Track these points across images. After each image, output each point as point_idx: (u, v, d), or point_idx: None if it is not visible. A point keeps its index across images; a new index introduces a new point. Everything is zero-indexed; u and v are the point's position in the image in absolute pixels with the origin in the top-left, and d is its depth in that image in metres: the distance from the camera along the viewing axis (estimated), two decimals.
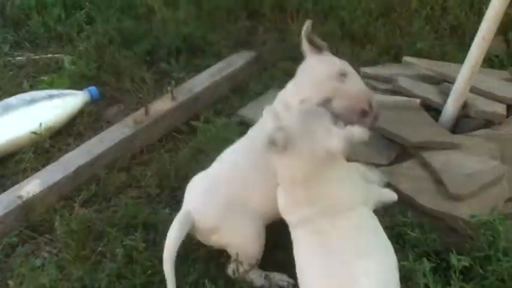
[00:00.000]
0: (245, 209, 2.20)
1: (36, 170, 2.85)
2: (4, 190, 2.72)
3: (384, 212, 2.42)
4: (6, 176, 2.89)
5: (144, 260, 2.30)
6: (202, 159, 2.78)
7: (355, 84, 2.23)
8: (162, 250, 2.36)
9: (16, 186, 2.73)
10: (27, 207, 2.63)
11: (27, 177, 2.79)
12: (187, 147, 2.94)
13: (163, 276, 2.23)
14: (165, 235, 2.44)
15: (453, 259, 2.16)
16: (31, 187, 2.69)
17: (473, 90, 3.06)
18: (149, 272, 2.27)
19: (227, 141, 2.51)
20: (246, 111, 3.21)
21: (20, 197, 2.63)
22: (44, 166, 2.86)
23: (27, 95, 3.21)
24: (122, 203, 2.63)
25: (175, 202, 2.65)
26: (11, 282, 2.34)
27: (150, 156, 2.98)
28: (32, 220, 2.61)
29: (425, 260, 2.19)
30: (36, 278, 2.32)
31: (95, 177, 2.83)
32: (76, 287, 2.29)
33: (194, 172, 2.61)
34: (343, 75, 2.21)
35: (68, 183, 2.78)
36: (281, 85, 3.33)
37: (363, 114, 2.15)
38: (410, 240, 2.31)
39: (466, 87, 2.94)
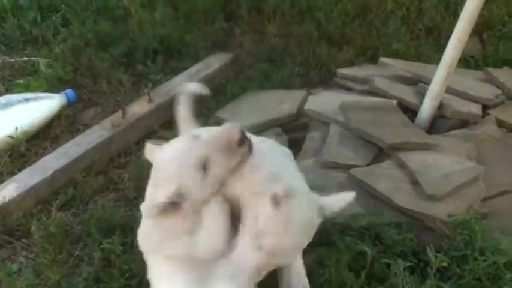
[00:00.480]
0: None
1: (12, 174, 2.83)
2: None
3: (362, 212, 2.45)
4: None
5: (121, 263, 2.29)
6: None
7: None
8: (139, 253, 2.36)
9: None
10: (3, 211, 2.60)
11: (3, 181, 2.76)
12: None
13: (141, 279, 2.23)
14: None
15: (430, 254, 2.18)
16: (7, 191, 2.66)
17: (449, 90, 3.09)
18: (127, 275, 2.26)
19: None
20: (223, 113, 3.20)
21: None
22: (20, 170, 2.83)
23: (2, 99, 3.17)
24: (99, 206, 2.61)
25: None
26: None
27: (127, 159, 2.97)
28: (8, 225, 2.58)
29: (399, 259, 2.22)
30: (12, 283, 2.30)
31: (72, 180, 2.81)
32: None
33: None
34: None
35: (45, 187, 2.75)
36: (258, 87, 3.39)
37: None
38: (387, 240, 2.33)
39: (442, 88, 2.96)
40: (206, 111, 3.25)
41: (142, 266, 2.28)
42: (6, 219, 2.59)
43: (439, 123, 3.06)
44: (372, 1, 4.14)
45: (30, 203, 2.68)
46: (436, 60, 3.03)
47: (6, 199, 2.62)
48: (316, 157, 2.82)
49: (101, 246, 2.35)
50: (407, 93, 3.20)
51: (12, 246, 2.52)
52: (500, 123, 3.10)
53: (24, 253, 2.49)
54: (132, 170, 2.84)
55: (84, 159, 2.90)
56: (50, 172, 2.78)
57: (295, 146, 2.93)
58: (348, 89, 3.37)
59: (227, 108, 3.27)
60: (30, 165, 2.86)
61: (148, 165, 2.77)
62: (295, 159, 2.76)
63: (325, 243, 2.36)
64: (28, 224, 2.57)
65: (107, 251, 2.33)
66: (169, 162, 1.98)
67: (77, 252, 2.42)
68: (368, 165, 2.74)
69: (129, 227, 2.49)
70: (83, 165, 2.89)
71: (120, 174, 2.82)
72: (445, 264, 2.18)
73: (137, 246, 2.37)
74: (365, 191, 2.60)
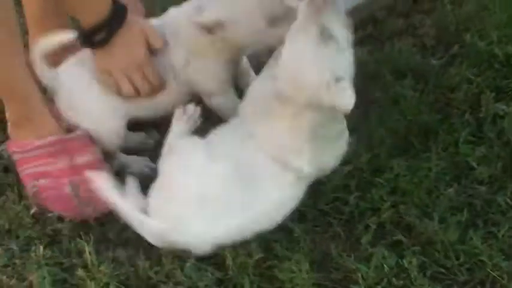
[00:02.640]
0: None
1: None
2: None
3: None
4: None
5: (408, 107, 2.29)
6: (487, 16, 2.64)
7: None
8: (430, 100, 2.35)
9: None
10: None
11: None
12: (472, 3, 2.77)
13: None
14: (436, 85, 2.40)
15: None
16: None
17: None
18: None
19: None
20: None
21: None
22: None
23: None
24: (396, 48, 2.59)
25: (449, 56, 2.55)
26: None
27: (432, 5, 2.86)
28: None
29: None
30: None
31: (372, 17, 2.81)
32: None
33: (475, 29, 2.53)
34: None
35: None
36: None
37: None
38: None
39: None
40: None
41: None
42: None
43: None
44: None
45: None
46: None
47: None
48: None
49: (394, 89, 2.36)
50: None
51: None
52: None
53: None
54: (435, 17, 2.76)
55: None
56: (353, 4, 2.78)
57: None
58: None
59: None
60: None
61: (452, 16, 2.70)
62: None
63: None
64: None
65: (397, 94, 2.34)
66: None
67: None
68: None
69: (421, 74, 2.46)
70: (385, 3, 2.86)
71: (422, 20, 2.76)
72: None
73: (428, 94, 2.37)
74: None
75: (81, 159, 2.05)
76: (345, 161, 2.06)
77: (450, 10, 2.75)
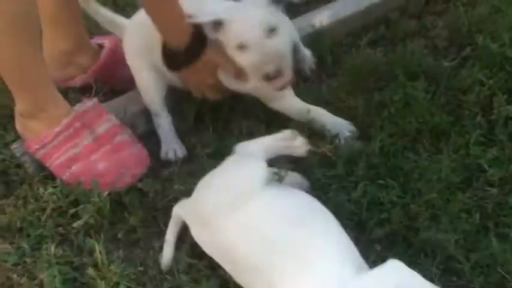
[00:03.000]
0: None
1: (326, 1, 2.88)
2: (296, 16, 2.76)
3: None
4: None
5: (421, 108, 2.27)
6: (499, 18, 2.63)
7: (278, 44, 2.08)
8: (441, 102, 2.33)
9: (308, 13, 2.80)
10: (315, 36, 2.70)
11: (317, 8, 2.83)
12: (485, 5, 2.76)
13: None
14: (448, 87, 2.38)
15: None
16: (323, 17, 2.75)
17: None
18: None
19: None
20: None
21: (312, 26, 2.71)
22: None
23: None
24: (408, 49, 2.57)
25: (461, 58, 2.54)
26: None
27: (445, 6, 2.85)
28: (319, 50, 2.65)
29: None
30: None
31: (385, 18, 2.80)
32: None
33: (487, 31, 2.52)
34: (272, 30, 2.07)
35: (358, 20, 2.79)
36: None
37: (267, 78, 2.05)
38: None
39: None
40: None
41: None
42: (318, 45, 2.67)
43: None
44: None
45: (341, 32, 2.75)
46: None
47: (323, 24, 2.73)
48: None
49: (405, 90, 2.33)
50: None
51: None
52: None
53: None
54: (448, 19, 2.74)
55: None
56: (366, 4, 2.81)
57: None
58: None
59: None
60: None
61: (464, 18, 2.69)
62: None
63: None
64: (337, 53, 2.65)
65: (409, 96, 2.32)
66: None
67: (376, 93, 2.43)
68: None
69: (433, 76, 2.45)
70: (398, 3, 2.86)
71: (434, 22, 2.75)
72: None
73: (439, 96, 2.36)
74: None
75: (101, 128, 2.14)
76: (356, 162, 2.07)
77: (462, 12, 2.73)
